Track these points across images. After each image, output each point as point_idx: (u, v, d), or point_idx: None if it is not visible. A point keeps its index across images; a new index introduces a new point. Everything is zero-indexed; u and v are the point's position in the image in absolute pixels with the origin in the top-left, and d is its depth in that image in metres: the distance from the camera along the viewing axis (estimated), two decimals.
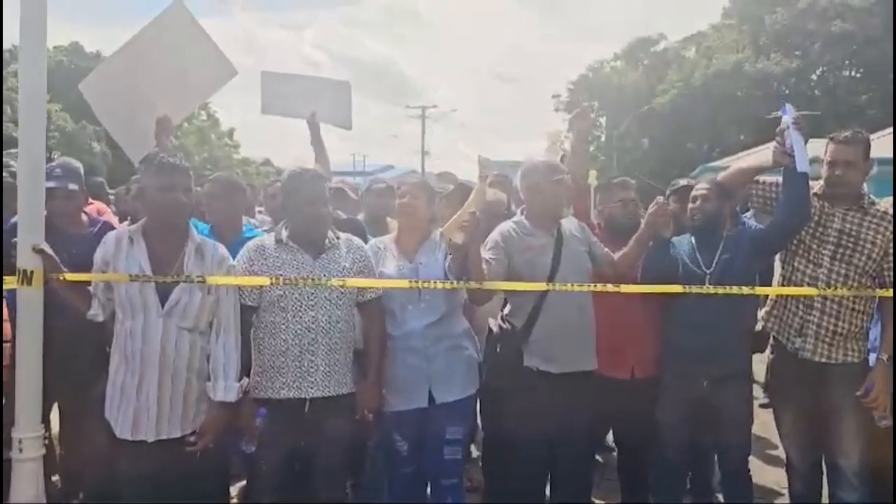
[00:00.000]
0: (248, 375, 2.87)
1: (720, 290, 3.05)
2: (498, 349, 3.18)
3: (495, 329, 3.23)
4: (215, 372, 2.74)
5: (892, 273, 3.08)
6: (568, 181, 3.29)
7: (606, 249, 3.36)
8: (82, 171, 3.49)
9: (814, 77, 35.99)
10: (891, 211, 3.16)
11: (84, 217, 3.44)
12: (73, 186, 3.24)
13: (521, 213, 3.34)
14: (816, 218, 3.14)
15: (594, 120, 6.78)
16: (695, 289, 3.04)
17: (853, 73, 35.41)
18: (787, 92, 33.89)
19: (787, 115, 3.05)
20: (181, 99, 3.62)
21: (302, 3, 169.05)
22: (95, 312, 2.73)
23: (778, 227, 3.18)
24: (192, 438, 2.70)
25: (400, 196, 3.27)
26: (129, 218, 3.89)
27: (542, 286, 3.08)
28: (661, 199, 3.26)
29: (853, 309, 3.09)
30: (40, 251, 2.62)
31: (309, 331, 2.88)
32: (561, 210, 3.30)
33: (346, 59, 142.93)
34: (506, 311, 3.26)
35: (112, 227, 3.46)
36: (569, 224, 3.34)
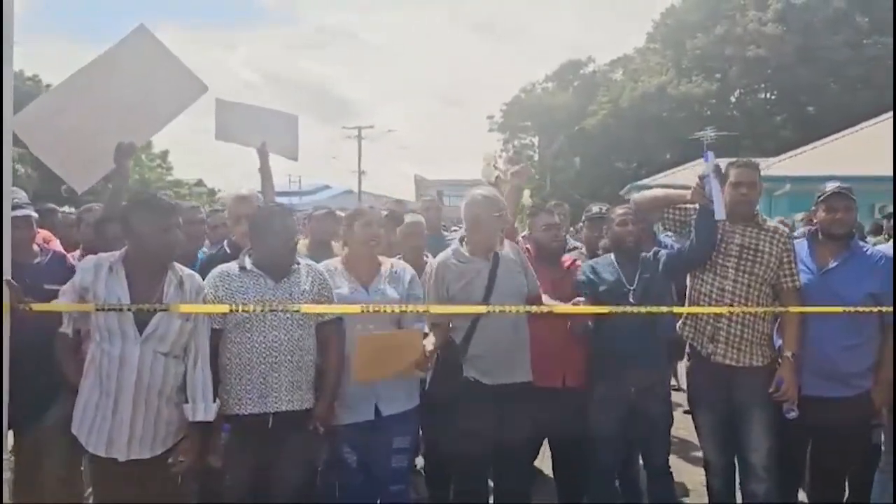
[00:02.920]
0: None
1: (642, 310, 3.34)
2: (440, 363, 3.38)
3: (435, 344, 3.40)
4: (194, 394, 2.86)
5: (787, 280, 3.44)
6: (506, 217, 3.52)
7: (537, 282, 3.59)
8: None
9: (732, 99, 37.79)
10: (780, 227, 3.54)
11: (35, 246, 3.45)
12: (34, 214, 3.29)
13: (460, 242, 3.57)
14: (720, 236, 3.47)
15: (529, 175, 7.10)
16: (619, 309, 3.32)
17: (768, 96, 37.39)
18: (707, 112, 35.51)
19: (709, 163, 3.35)
20: (146, 120, 3.66)
21: (234, 22, 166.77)
22: (66, 330, 2.84)
23: (688, 256, 3.51)
24: (174, 459, 2.81)
25: (365, 226, 3.42)
26: (80, 246, 3.90)
27: (482, 309, 3.31)
28: (579, 299, 3.53)
29: (756, 316, 3.43)
30: (8, 283, 2.67)
31: (273, 350, 3.05)
32: (496, 241, 3.50)
33: (281, 79, 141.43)
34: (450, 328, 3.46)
35: (63, 257, 3.53)
36: (507, 251, 3.55)
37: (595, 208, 4.20)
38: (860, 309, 3.24)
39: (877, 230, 6.98)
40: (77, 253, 3.79)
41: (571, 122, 39.45)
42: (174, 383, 2.86)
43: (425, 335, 3.31)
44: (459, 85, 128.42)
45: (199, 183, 39.83)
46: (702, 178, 3.35)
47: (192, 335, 2.90)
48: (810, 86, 33.97)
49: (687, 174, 21.12)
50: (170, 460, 2.82)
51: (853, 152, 17.55)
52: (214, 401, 2.93)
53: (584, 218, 4.31)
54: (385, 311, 3.15)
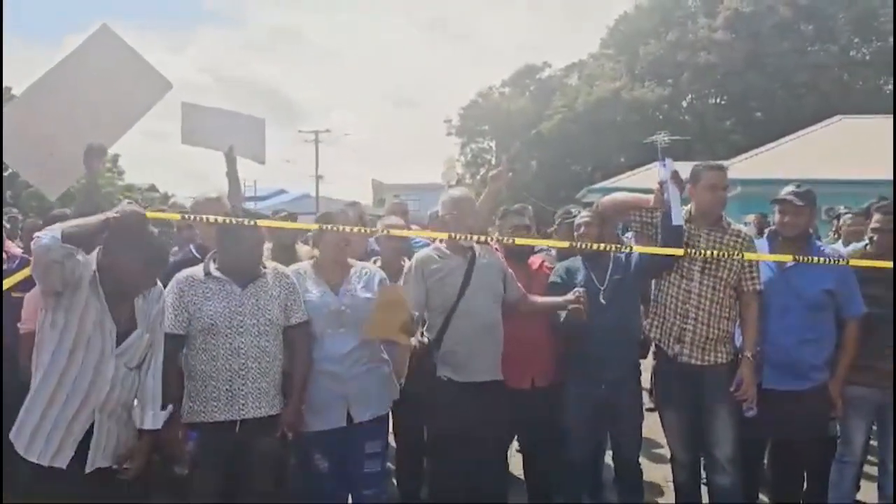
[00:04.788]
0: (174, 402, 2.92)
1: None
2: (414, 361, 3.43)
3: (414, 342, 3.43)
4: (143, 401, 2.78)
5: (749, 283, 3.52)
6: (479, 219, 3.59)
7: (520, 286, 3.66)
8: None
9: (684, 104, 38.57)
10: (744, 230, 3.64)
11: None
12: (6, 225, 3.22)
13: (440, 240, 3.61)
14: (685, 239, 3.53)
15: (508, 179, 7.11)
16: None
17: (718, 101, 38.27)
18: (660, 117, 36.21)
19: (666, 170, 3.40)
20: (114, 121, 3.59)
21: (181, 23, 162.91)
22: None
23: (655, 261, 3.54)
24: (123, 466, 2.71)
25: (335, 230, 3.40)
26: None
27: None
28: (580, 290, 3.47)
29: (721, 316, 3.52)
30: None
31: (239, 356, 3.01)
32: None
33: (231, 81, 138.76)
34: (425, 326, 3.51)
35: (30, 263, 3.42)
36: (483, 252, 3.62)
37: (574, 211, 4.27)
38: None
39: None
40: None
41: (528, 126, 39.75)
42: (133, 395, 2.79)
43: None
44: (413, 87, 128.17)
45: (152, 188, 39.07)
46: (661, 184, 3.41)
47: (151, 346, 2.83)
48: (759, 91, 34.95)
49: (641, 177, 21.54)
50: (115, 466, 2.72)
51: (801, 156, 18.10)
52: (164, 408, 2.83)
53: (558, 222, 4.36)
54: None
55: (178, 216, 3.17)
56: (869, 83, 34.01)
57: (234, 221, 3.04)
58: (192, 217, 3.48)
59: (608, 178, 26.45)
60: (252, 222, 3.05)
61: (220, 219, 3.08)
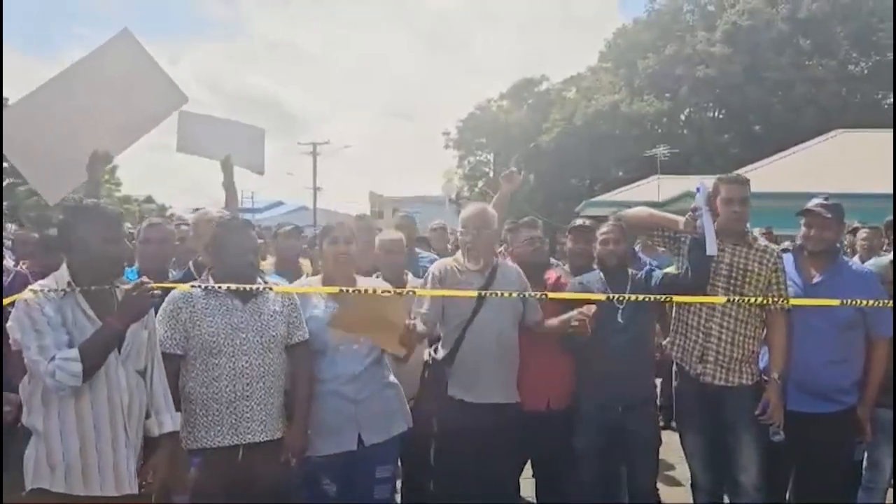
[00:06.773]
0: None
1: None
2: (426, 376, 3.34)
3: (426, 358, 3.37)
4: (157, 406, 2.66)
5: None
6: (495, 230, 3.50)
7: (540, 308, 3.51)
8: None
9: (682, 117, 38.55)
10: (771, 245, 3.48)
11: None
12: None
13: (462, 252, 3.52)
14: None
15: (521, 181, 6.92)
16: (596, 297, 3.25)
17: (717, 115, 38.30)
18: (659, 131, 36.21)
19: (701, 195, 3.24)
20: (124, 129, 3.45)
21: (177, 34, 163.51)
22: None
23: (682, 284, 3.37)
24: (143, 478, 2.58)
25: (332, 242, 3.25)
26: (24, 261, 3.66)
27: (472, 293, 3.24)
28: (592, 308, 3.25)
29: (746, 335, 3.37)
30: None
31: (244, 377, 2.86)
32: (490, 256, 3.47)
33: (228, 93, 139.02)
34: (439, 342, 3.39)
35: (25, 277, 3.28)
36: (507, 271, 3.51)
37: (579, 221, 4.12)
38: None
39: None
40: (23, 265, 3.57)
41: (526, 139, 39.70)
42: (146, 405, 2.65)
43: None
44: (411, 99, 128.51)
45: (149, 199, 38.98)
46: (694, 210, 3.25)
47: (151, 350, 2.68)
48: (757, 105, 34.98)
49: (640, 191, 21.47)
50: (139, 481, 2.56)
51: (800, 169, 18.05)
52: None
53: (568, 230, 4.22)
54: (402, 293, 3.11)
55: (187, 287, 2.87)
56: (867, 97, 34.08)
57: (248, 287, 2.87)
58: (200, 284, 3.21)
59: (607, 191, 26.42)
60: (270, 287, 2.92)
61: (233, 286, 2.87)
